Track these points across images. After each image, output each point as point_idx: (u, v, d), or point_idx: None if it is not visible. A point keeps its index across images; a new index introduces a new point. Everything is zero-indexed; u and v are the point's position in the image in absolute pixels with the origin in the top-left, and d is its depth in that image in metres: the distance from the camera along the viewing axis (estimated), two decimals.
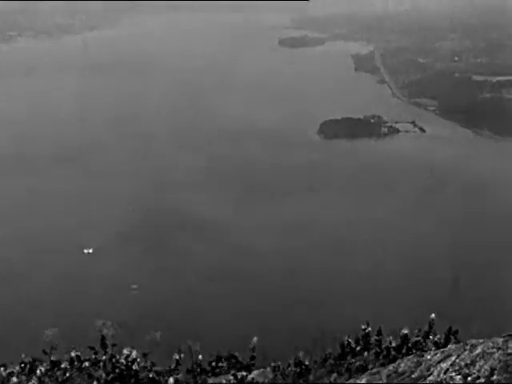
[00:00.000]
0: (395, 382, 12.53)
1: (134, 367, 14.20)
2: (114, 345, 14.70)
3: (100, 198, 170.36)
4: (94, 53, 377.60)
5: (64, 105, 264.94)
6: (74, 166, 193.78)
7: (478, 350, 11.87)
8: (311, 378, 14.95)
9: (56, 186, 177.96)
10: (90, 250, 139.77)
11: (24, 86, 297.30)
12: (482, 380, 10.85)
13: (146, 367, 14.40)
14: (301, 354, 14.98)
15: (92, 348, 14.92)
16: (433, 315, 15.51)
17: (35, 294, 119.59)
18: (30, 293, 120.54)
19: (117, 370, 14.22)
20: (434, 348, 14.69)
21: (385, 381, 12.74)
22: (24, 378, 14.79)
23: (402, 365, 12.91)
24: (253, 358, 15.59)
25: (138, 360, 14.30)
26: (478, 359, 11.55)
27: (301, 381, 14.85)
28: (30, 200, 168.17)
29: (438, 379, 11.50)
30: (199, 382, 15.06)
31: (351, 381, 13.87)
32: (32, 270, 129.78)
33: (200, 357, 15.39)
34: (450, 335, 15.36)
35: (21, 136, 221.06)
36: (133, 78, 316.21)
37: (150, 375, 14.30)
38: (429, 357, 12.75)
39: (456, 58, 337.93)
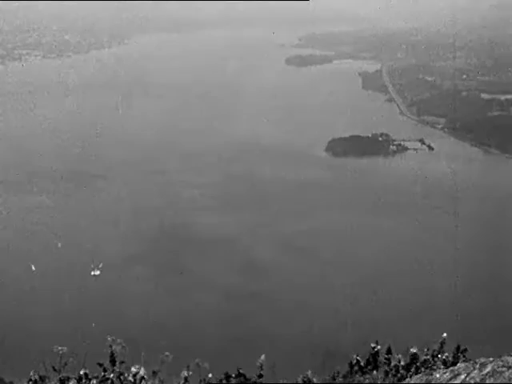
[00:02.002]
0: None
1: None
2: (122, 362, 14.69)
3: (109, 215, 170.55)
4: (102, 71, 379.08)
5: (74, 123, 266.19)
6: (84, 184, 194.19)
7: (488, 368, 11.81)
8: None
9: (65, 204, 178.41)
10: (97, 272, 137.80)
11: (32, 104, 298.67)
12: None
13: None
14: (309, 372, 14.95)
15: (101, 365, 14.90)
16: (444, 334, 15.47)
17: (43, 312, 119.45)
18: (36, 311, 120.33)
19: None
20: (442, 367, 14.63)
21: None
22: None
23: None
24: (261, 376, 15.53)
25: (146, 377, 14.28)
26: (487, 378, 11.49)
27: None
28: (41, 216, 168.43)
29: None
30: None
31: None
32: (40, 289, 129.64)
33: (210, 375, 15.36)
34: (459, 353, 15.30)
35: (26, 152, 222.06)
36: (140, 95, 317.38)
37: None
38: (438, 375, 12.70)
39: (464, 76, 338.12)
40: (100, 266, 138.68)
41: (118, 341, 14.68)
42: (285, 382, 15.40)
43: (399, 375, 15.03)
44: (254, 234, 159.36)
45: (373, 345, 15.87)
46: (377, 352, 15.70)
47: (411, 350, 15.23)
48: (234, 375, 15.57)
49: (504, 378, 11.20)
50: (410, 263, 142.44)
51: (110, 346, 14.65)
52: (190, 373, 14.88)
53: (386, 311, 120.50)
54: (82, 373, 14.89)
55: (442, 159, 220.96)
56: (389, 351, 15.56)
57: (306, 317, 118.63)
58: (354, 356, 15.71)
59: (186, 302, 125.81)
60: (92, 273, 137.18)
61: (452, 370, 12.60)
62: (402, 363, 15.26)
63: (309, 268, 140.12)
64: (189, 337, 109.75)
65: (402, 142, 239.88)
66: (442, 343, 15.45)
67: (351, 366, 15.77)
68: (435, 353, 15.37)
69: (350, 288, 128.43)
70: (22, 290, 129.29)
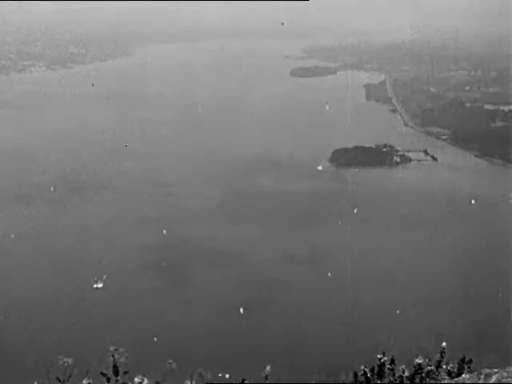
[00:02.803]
0: None
1: None
2: (125, 372, 14.66)
3: (113, 227, 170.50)
4: (105, 83, 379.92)
5: (77, 134, 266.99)
6: (88, 195, 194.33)
7: (493, 379, 11.77)
8: None
9: (70, 216, 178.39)
10: (100, 285, 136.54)
11: (36, 117, 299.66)
12: None
13: None
14: (313, 382, 14.89)
15: (104, 374, 14.87)
16: (444, 344, 15.43)
17: (44, 324, 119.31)
18: (37, 320, 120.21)
19: None
20: (447, 377, 14.58)
21: None
22: None
23: None
24: None
25: None
26: None
27: None
28: (44, 228, 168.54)
29: None
30: None
31: None
32: (43, 300, 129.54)
33: None
34: (464, 364, 15.24)
35: (30, 163, 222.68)
36: (142, 107, 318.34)
37: None
38: None
39: (467, 88, 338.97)
40: (104, 278, 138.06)
41: (121, 350, 14.66)
42: None
43: None
44: (260, 247, 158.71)
45: (379, 356, 15.83)
46: (383, 363, 15.65)
47: (416, 360, 15.18)
48: None
49: None
50: (423, 276, 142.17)
51: (113, 356, 14.63)
52: (194, 382, 14.86)
53: (394, 325, 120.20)
54: (85, 383, 14.86)
55: (446, 170, 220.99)
56: (392, 362, 15.52)
57: (311, 330, 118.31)
58: (362, 367, 15.66)
59: (188, 313, 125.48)
60: (94, 285, 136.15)
61: (457, 381, 12.55)
62: (407, 374, 15.21)
63: (315, 282, 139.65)
64: (191, 348, 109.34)
65: (405, 153, 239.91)
66: (442, 352, 15.41)
67: (355, 376, 15.73)
68: (439, 363, 15.32)
69: (358, 303, 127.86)
70: (23, 301, 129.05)
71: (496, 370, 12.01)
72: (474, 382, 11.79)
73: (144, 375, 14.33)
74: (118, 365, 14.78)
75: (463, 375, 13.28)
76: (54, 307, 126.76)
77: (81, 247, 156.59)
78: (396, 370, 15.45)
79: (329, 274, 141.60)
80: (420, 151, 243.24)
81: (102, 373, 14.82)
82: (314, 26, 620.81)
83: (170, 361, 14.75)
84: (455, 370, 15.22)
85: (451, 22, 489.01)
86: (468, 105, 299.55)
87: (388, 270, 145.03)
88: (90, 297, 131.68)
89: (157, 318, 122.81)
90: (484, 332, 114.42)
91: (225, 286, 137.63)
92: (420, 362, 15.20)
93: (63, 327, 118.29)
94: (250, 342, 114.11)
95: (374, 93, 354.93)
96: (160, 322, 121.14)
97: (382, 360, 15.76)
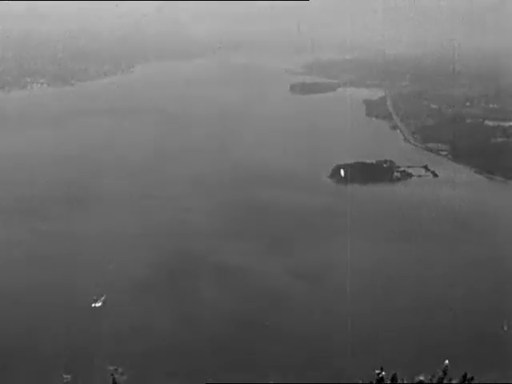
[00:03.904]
0: None
1: None
2: None
3: (113, 242, 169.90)
4: (107, 99, 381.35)
5: (75, 149, 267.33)
6: (86, 209, 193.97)
7: None
8: None
9: (69, 231, 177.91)
10: (98, 304, 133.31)
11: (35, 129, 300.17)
12: None
13: None
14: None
15: None
16: (446, 361, 15.33)
17: (39, 338, 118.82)
18: (32, 337, 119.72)
19: None
20: None
21: None
22: None
23: None
24: None
25: None
26: None
27: None
28: (42, 243, 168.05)
29: None
30: None
31: None
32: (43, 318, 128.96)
33: None
34: (466, 381, 15.13)
35: (28, 177, 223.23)
36: (146, 124, 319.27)
37: None
38: None
39: (468, 104, 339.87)
40: (103, 298, 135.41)
41: (120, 370, 14.56)
42: None
43: None
44: (264, 262, 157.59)
45: (377, 371, 15.73)
46: (381, 378, 15.54)
47: (418, 377, 15.08)
48: None
49: None
50: (427, 291, 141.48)
51: (112, 375, 14.53)
52: None
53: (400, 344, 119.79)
54: None
55: (447, 186, 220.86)
56: (394, 378, 15.41)
57: (317, 347, 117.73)
58: (360, 382, 15.57)
59: (194, 329, 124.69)
60: (93, 305, 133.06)
61: None
62: None
63: (317, 296, 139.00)
64: (197, 363, 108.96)
65: (406, 169, 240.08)
66: (445, 371, 15.31)
67: None
68: (441, 380, 15.21)
69: (367, 321, 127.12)
70: (17, 317, 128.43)
71: None
72: None
73: None
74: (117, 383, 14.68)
75: None
76: (52, 323, 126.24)
77: (79, 262, 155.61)
78: None
79: (332, 289, 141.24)
80: (420, 167, 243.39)
81: None
82: (312, 39, 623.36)
83: None
84: None
85: (450, 35, 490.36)
86: (468, 121, 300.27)
87: (393, 286, 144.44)
88: (89, 315, 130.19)
89: (158, 335, 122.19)
90: (486, 348, 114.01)
91: (228, 301, 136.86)
92: (422, 379, 15.10)
93: (60, 343, 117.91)
94: (252, 357, 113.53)
95: (374, 109, 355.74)
96: (161, 338, 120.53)
97: (380, 375, 15.65)
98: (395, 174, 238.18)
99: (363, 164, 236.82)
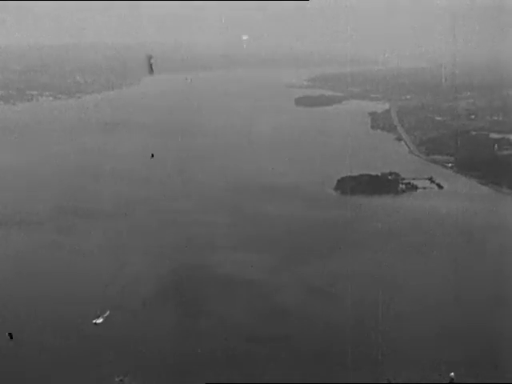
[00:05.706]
0: None
1: None
2: None
3: (122, 255, 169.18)
4: (112, 112, 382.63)
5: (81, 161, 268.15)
6: (93, 223, 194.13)
7: None
8: None
9: (75, 242, 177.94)
10: (100, 320, 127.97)
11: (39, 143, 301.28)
12: None
13: None
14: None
15: None
16: (452, 374, 15.14)
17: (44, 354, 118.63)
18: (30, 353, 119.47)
19: None
20: None
21: None
22: None
23: None
24: None
25: None
26: None
27: None
28: (51, 255, 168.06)
29: None
30: None
31: None
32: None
33: None
34: None
35: (36, 189, 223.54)
36: (146, 134, 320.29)
37: None
38: None
39: (472, 116, 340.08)
40: (106, 314, 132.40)
41: (126, 379, 14.35)
42: None
43: None
44: (275, 276, 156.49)
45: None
46: None
47: None
48: None
49: None
50: (436, 304, 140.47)
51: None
52: None
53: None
54: None
55: (452, 198, 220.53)
56: None
57: (324, 365, 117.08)
58: None
59: (204, 344, 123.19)
60: (94, 321, 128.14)
61: None
62: None
63: (329, 310, 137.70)
64: (203, 375, 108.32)
65: (411, 181, 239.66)
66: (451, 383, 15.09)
67: None
68: None
69: (374, 330, 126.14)
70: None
71: None
72: None
73: None
74: None
75: None
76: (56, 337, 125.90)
77: (84, 276, 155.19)
78: None
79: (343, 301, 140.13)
80: (425, 179, 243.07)
81: None
82: (315, 53, 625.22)
83: None
84: None
85: (453, 47, 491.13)
86: (473, 133, 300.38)
87: (405, 298, 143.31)
88: (90, 332, 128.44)
89: (165, 347, 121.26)
90: (494, 361, 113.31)
91: (242, 315, 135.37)
92: None
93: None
94: (263, 373, 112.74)
95: (379, 121, 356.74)
96: (170, 352, 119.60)
97: None
98: (400, 186, 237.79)
99: (369, 176, 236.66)
